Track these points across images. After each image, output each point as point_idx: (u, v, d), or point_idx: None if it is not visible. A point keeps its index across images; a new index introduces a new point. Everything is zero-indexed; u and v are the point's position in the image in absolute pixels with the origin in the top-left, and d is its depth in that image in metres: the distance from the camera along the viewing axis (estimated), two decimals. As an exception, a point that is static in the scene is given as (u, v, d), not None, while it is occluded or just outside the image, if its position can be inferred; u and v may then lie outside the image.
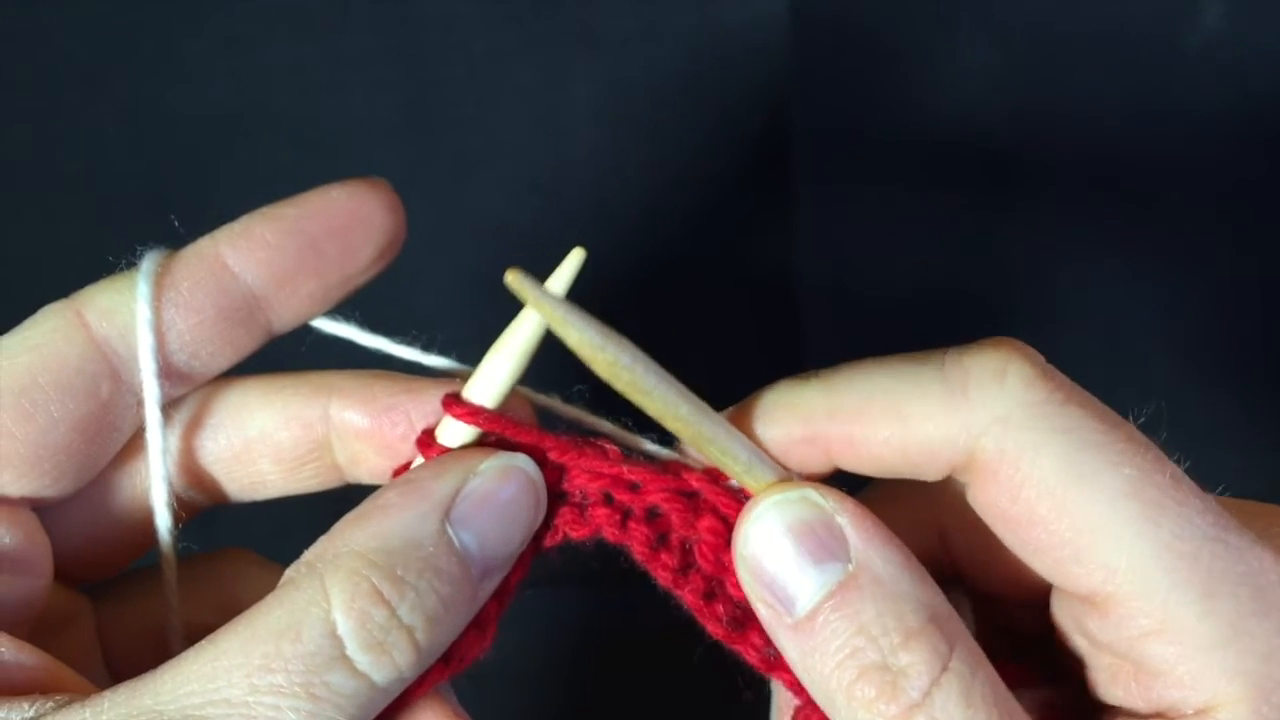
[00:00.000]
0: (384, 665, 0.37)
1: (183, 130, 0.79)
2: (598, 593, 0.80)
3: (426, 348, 0.45)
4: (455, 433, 0.42)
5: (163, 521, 0.44)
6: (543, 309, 0.38)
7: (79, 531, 0.45)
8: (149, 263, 0.43)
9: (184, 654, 0.37)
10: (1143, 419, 0.39)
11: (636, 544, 0.42)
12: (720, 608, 0.42)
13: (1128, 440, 0.37)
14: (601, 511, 0.42)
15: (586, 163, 0.82)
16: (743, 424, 0.41)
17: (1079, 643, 0.40)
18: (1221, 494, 0.40)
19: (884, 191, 0.85)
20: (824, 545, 0.38)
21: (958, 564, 0.45)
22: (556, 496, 0.43)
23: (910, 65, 0.85)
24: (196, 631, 0.45)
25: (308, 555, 0.39)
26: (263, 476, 0.46)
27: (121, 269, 0.43)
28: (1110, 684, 0.39)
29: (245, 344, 0.44)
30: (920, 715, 0.36)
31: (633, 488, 0.42)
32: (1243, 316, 0.87)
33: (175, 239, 0.45)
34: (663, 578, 0.42)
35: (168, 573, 0.45)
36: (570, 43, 0.81)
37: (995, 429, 0.37)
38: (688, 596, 0.42)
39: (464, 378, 0.43)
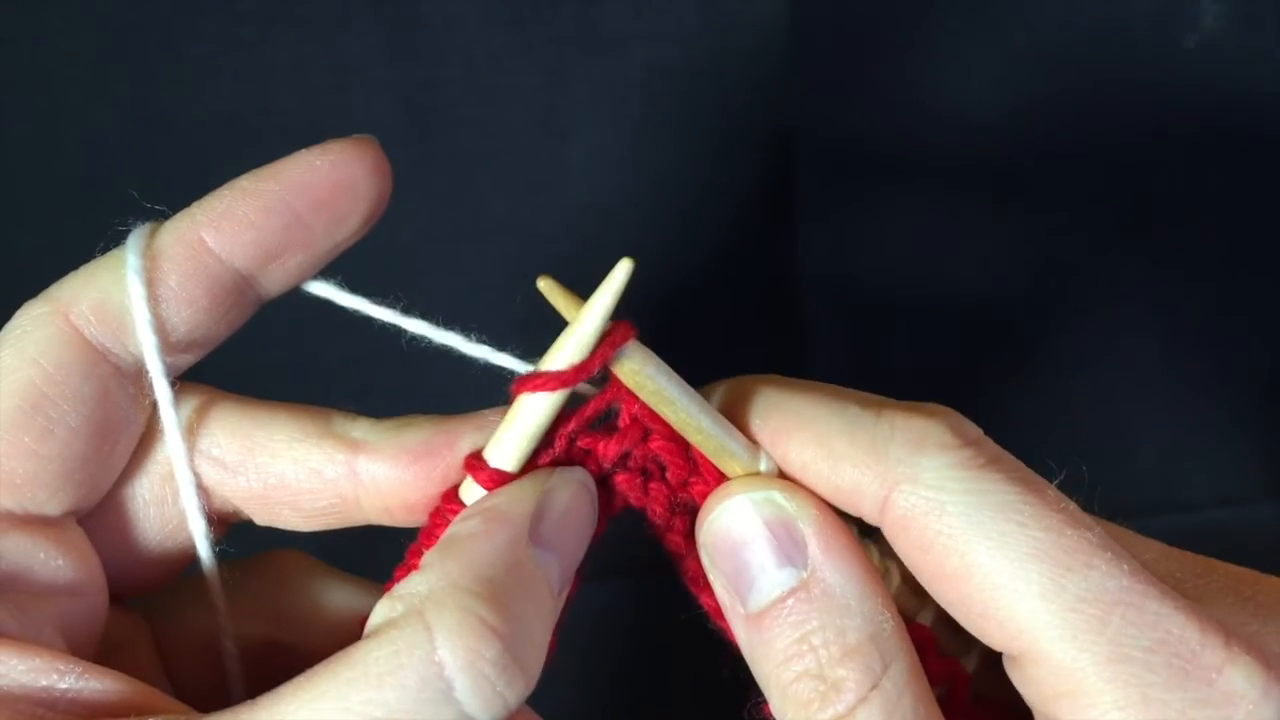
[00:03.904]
0: (494, 704, 0.35)
1: (183, 130, 0.79)
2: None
3: (407, 310, 0.44)
4: (506, 452, 0.41)
5: (197, 526, 0.43)
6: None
7: (117, 543, 0.43)
8: (135, 258, 0.41)
9: (280, 690, 0.35)
10: (1062, 478, 0.39)
11: (658, 506, 0.42)
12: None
13: (1040, 503, 0.37)
14: (622, 477, 0.42)
15: (586, 163, 0.82)
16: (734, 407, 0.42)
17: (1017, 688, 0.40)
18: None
19: (885, 191, 0.85)
20: (781, 549, 0.39)
21: None
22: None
23: (911, 65, 0.85)
24: (250, 645, 0.44)
25: (401, 590, 0.37)
26: (283, 516, 0.44)
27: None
28: None
29: (239, 317, 0.43)
30: None
31: (645, 436, 0.42)
32: (1242, 316, 0.88)
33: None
34: (673, 543, 0.42)
35: (212, 581, 0.44)
36: (570, 43, 0.81)
37: (905, 486, 0.38)
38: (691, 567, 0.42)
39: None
